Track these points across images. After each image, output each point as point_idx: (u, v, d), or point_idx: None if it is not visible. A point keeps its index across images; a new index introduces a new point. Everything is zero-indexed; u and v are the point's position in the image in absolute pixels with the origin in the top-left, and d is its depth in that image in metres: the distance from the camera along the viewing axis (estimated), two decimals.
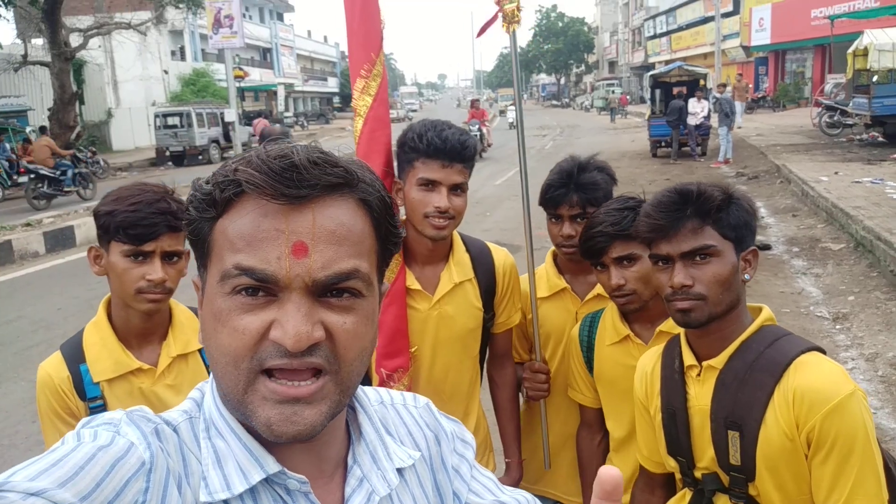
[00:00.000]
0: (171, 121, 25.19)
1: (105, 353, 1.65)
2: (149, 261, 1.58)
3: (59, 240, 11.20)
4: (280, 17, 57.16)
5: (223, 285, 0.72)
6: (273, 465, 0.74)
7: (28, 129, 20.12)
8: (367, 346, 0.76)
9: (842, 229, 9.03)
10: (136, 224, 1.55)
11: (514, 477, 2.14)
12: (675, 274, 1.44)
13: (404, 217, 1.89)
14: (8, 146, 18.12)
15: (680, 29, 45.97)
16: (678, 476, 1.62)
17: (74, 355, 1.67)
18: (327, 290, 0.72)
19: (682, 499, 1.61)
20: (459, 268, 1.95)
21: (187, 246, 1.14)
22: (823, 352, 1.47)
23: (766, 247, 8.65)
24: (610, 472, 0.65)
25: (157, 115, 25.91)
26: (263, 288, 0.70)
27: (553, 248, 2.17)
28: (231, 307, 0.71)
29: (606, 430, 2.08)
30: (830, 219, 9.66)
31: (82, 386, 1.64)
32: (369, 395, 0.92)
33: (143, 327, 1.68)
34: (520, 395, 2.22)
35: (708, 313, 1.44)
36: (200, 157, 24.58)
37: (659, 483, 1.74)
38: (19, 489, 0.58)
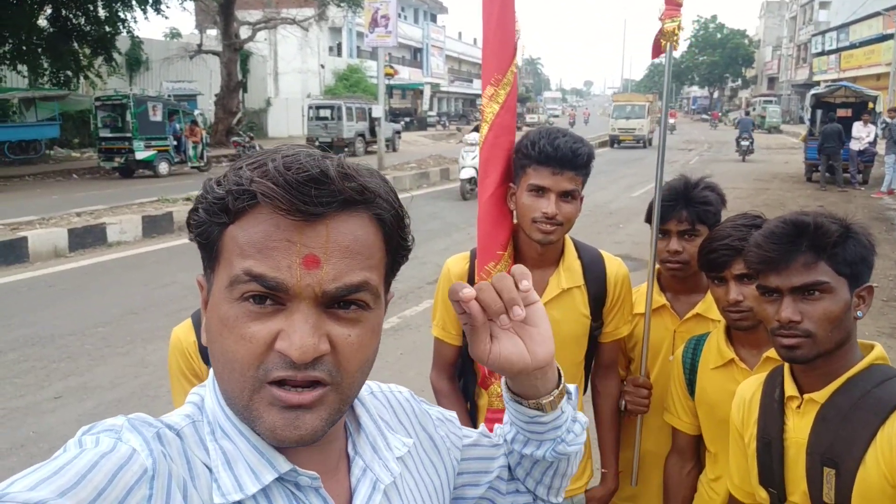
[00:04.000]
0: (322, 113, 26.61)
1: None
2: None
3: None
4: (433, 19, 58.55)
5: (231, 290, 0.71)
6: (284, 465, 0.75)
7: (196, 112, 21.93)
8: (370, 356, 0.76)
9: None
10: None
11: (610, 487, 2.16)
12: (784, 308, 1.40)
13: (517, 221, 1.95)
14: (178, 126, 19.86)
15: (852, 46, 42.60)
16: None
17: (202, 322, 1.86)
18: (335, 302, 0.72)
19: None
20: (569, 274, 1.98)
21: None
22: None
23: None
24: None
25: (310, 107, 27.47)
26: (272, 296, 0.70)
27: (659, 265, 2.16)
28: (238, 314, 0.71)
29: (697, 459, 2.05)
30: None
31: (206, 351, 1.83)
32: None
33: None
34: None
35: (815, 352, 1.39)
36: (346, 150, 25.76)
37: None
38: (18, 500, 0.57)
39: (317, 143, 25.96)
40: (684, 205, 2.00)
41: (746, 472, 1.64)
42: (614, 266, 2.06)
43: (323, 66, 38.34)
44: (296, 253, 0.69)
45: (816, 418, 1.44)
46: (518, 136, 1.97)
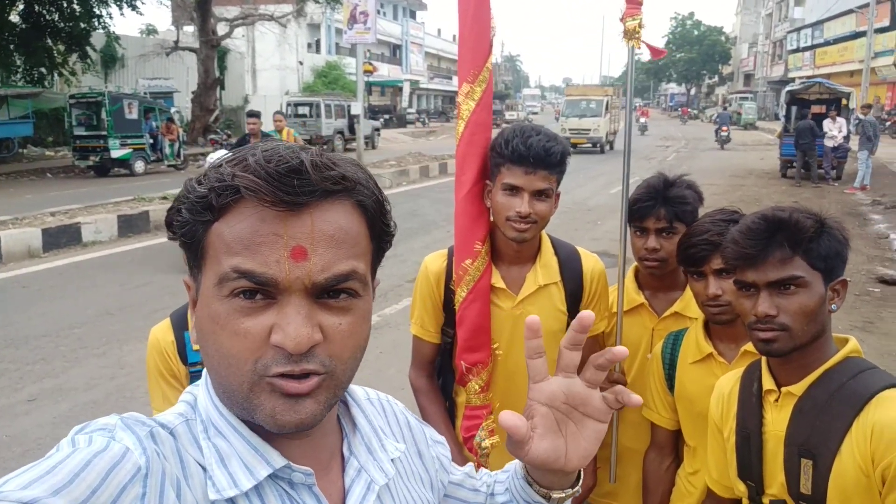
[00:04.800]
0: (301, 110, 26.49)
1: None
2: None
3: None
4: (413, 15, 58.48)
5: (221, 288, 0.71)
6: (279, 460, 0.75)
7: (172, 110, 21.70)
8: (361, 343, 0.77)
9: None
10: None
11: (588, 484, 2.16)
12: (760, 303, 1.42)
13: (492, 218, 1.95)
14: (154, 124, 19.64)
15: (826, 43, 43.22)
16: (745, 501, 1.60)
17: (181, 322, 1.85)
18: (325, 292, 0.72)
19: None
20: (546, 270, 1.99)
21: None
22: None
23: None
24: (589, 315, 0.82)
25: (289, 104, 27.29)
26: (262, 291, 0.70)
27: (635, 263, 2.17)
28: (229, 310, 0.71)
29: (676, 454, 2.07)
30: None
31: (185, 351, 1.81)
32: (358, 391, 0.95)
33: None
34: None
35: (791, 345, 1.41)
36: (325, 147, 25.49)
37: None
38: (11, 499, 0.57)
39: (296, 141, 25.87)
40: (662, 203, 2.00)
41: (725, 467, 1.65)
42: (590, 262, 2.07)
43: (301, 63, 38.14)
44: (283, 246, 0.70)
45: (794, 411, 1.45)
46: (495, 132, 1.97)
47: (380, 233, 0.80)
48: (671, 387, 2.00)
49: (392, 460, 0.89)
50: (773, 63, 57.99)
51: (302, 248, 0.70)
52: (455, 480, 1.06)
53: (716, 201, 10.08)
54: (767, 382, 1.52)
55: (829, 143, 16.87)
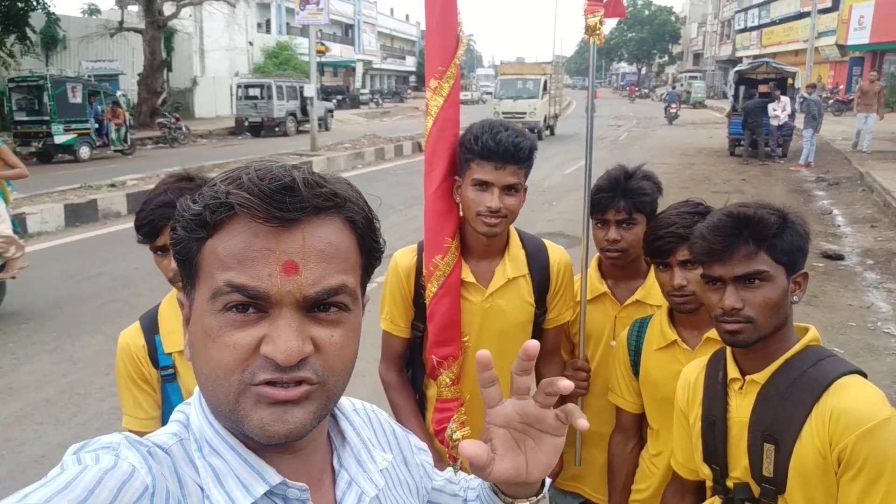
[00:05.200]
0: (252, 92, 25.97)
1: (177, 326, 1.76)
2: (167, 254, 1.70)
3: (140, 202, 11.73)
4: None
5: (214, 303, 0.73)
6: (275, 477, 0.76)
7: (118, 93, 21.05)
8: (351, 357, 0.78)
9: None
10: (142, 224, 1.70)
11: (555, 470, 2.21)
12: (727, 297, 1.47)
13: (462, 213, 1.96)
14: (99, 108, 19.03)
15: (773, 23, 44.22)
16: (709, 484, 1.66)
17: (151, 326, 1.81)
18: (316, 305, 0.74)
19: None
20: (514, 263, 2.01)
21: None
22: (865, 375, 1.47)
23: (839, 256, 8.36)
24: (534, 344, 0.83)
25: (239, 86, 26.75)
26: (254, 304, 0.72)
27: (598, 253, 2.21)
28: (222, 324, 0.72)
29: (639, 437, 2.12)
30: None
31: (156, 355, 1.78)
32: (345, 403, 0.96)
33: None
34: None
35: (756, 336, 1.47)
36: (277, 129, 25.26)
37: (690, 490, 1.78)
38: None
39: (246, 123, 25.37)
40: (622, 195, 2.04)
41: (690, 451, 1.70)
42: (557, 254, 2.10)
43: (251, 44, 37.36)
44: (275, 261, 0.71)
45: (757, 398, 1.51)
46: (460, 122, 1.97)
47: (369, 248, 0.81)
48: (636, 372, 2.05)
49: (381, 470, 0.90)
50: (722, 42, 59.08)
51: (293, 262, 0.72)
52: (437, 486, 1.08)
53: (668, 180, 10.24)
54: (732, 371, 1.58)
55: (773, 122, 17.31)
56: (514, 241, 2.04)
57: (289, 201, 0.71)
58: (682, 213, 1.88)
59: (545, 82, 25.02)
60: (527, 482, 0.88)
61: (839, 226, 10.20)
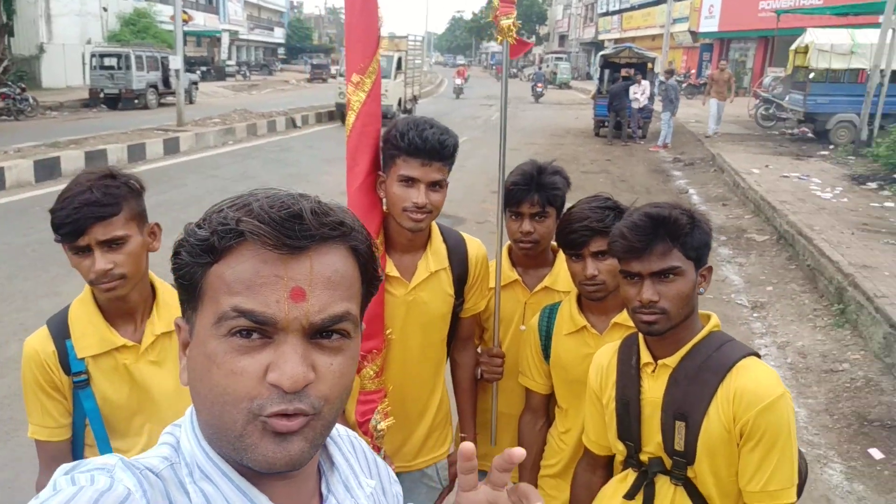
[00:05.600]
0: (108, 61, 24.12)
1: (90, 330, 1.69)
2: (89, 254, 1.60)
3: None
4: None
5: (218, 327, 0.73)
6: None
7: None
8: (348, 385, 0.80)
9: (767, 222, 9.52)
10: (63, 223, 1.57)
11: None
12: (644, 291, 1.61)
13: (386, 209, 1.99)
14: None
15: (632, 8, 46.46)
16: (620, 458, 1.82)
17: (60, 331, 1.70)
18: (319, 332, 0.75)
19: (625, 478, 1.80)
20: (436, 257, 2.08)
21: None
22: (759, 356, 1.68)
23: None
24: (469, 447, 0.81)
25: (93, 55, 24.74)
26: (259, 330, 0.72)
27: (509, 242, 2.32)
28: (226, 349, 0.73)
29: (548, 416, 2.27)
30: (758, 210, 10.15)
31: (67, 361, 1.68)
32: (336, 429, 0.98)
33: (122, 307, 1.71)
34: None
35: (669, 325, 1.63)
36: (136, 102, 23.71)
37: (601, 464, 1.94)
38: None
39: (102, 95, 23.65)
40: (536, 189, 2.14)
41: (602, 429, 1.85)
42: (474, 247, 2.19)
43: (106, 10, 34.65)
44: (283, 287, 0.73)
45: (669, 380, 1.67)
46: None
47: (370, 277, 0.83)
48: (547, 356, 2.17)
49: (367, 496, 0.92)
50: (586, 25, 61.49)
51: (301, 289, 0.73)
52: None
53: (539, 159, 10.61)
54: (645, 356, 1.73)
55: (634, 105, 18.35)
56: (436, 235, 2.10)
57: (298, 229, 0.73)
58: (594, 208, 2.00)
59: (399, 60, 22.10)
60: None
61: (695, 204, 10.99)
